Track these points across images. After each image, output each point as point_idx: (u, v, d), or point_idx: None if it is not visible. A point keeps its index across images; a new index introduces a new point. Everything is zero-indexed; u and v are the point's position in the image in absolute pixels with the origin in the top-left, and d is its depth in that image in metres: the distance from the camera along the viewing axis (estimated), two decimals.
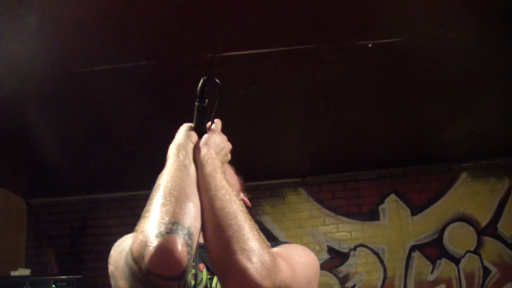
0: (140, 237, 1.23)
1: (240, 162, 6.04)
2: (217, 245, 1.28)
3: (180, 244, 1.18)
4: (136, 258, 1.23)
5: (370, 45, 3.66)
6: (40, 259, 6.26)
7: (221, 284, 1.30)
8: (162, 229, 1.19)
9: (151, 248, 1.17)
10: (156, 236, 1.18)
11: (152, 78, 3.90)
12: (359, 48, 3.70)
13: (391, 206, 6.40)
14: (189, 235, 1.23)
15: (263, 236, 1.31)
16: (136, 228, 1.28)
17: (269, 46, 3.64)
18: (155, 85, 4.01)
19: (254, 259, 1.23)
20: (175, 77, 3.86)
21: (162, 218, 1.22)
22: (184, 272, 1.20)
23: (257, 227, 1.32)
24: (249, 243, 1.25)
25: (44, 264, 6.21)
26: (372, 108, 4.73)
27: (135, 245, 1.24)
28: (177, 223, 1.22)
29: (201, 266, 1.52)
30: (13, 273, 5.34)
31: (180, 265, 1.18)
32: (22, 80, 3.68)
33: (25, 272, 5.43)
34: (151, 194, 1.33)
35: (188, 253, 1.20)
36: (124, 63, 3.61)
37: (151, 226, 1.22)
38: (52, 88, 3.87)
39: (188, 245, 1.20)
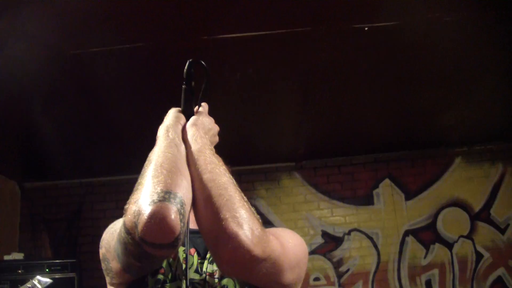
0: (133, 208, 1.23)
1: (235, 145, 6.03)
2: (208, 214, 1.29)
3: (173, 212, 1.19)
4: (129, 229, 1.24)
5: (366, 28, 3.65)
6: (35, 243, 6.26)
7: (213, 253, 1.32)
8: (155, 197, 1.21)
9: (144, 216, 1.18)
10: (149, 204, 1.19)
11: (148, 61, 3.88)
12: (356, 31, 3.68)
13: (386, 190, 6.42)
14: (181, 204, 1.23)
15: (253, 209, 1.33)
16: (129, 201, 1.29)
17: (265, 28, 3.61)
18: (151, 68, 3.99)
19: (245, 226, 1.24)
20: (171, 60, 3.84)
21: (155, 188, 1.24)
22: (177, 240, 1.21)
23: (247, 200, 1.34)
24: (239, 211, 1.27)
25: (38, 248, 6.20)
26: (368, 92, 4.72)
27: (128, 216, 1.25)
28: (170, 192, 1.23)
29: (192, 250, 1.54)
30: (6, 257, 5.32)
31: (173, 231, 1.19)
32: (16, 62, 3.66)
33: (19, 256, 5.42)
34: (143, 169, 1.34)
35: (181, 220, 1.21)
36: (119, 45, 3.59)
37: (144, 196, 1.23)
38: (46, 70, 3.83)
39: (180, 213, 1.21)
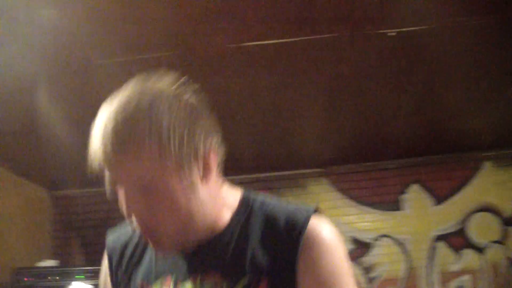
0: None
1: (261, 152, 6.02)
2: None
3: None
4: None
5: (393, 33, 3.64)
6: (66, 250, 6.35)
7: None
8: None
9: None
10: None
11: (174, 69, 3.90)
12: (381, 36, 3.68)
13: (415, 195, 6.35)
14: None
15: None
16: None
17: (291, 36, 3.63)
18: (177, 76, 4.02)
19: None
20: (197, 68, 3.87)
21: None
22: None
23: None
24: None
25: (70, 255, 6.29)
26: (395, 97, 4.69)
27: None
28: None
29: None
30: (40, 264, 5.41)
31: None
32: (42, 70, 3.72)
33: (53, 263, 5.50)
34: None
35: None
36: (145, 54, 3.63)
37: None
38: (73, 79, 3.90)
39: None
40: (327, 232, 1.22)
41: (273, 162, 6.07)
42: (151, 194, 1.13)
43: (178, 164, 1.12)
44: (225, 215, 1.27)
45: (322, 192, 6.41)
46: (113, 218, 6.37)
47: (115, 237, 1.44)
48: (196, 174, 1.16)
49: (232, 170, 6.56)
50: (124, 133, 1.10)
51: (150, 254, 1.33)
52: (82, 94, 4.12)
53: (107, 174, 1.17)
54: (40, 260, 5.58)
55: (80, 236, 6.39)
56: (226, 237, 1.24)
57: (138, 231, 1.21)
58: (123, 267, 1.36)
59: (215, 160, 1.21)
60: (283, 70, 4.08)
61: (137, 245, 1.37)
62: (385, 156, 6.30)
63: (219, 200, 1.26)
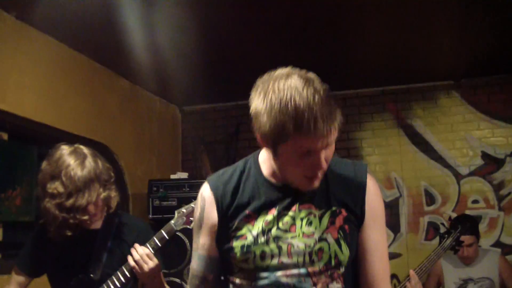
0: None
1: (391, 63, 5.84)
2: None
3: None
4: None
5: None
6: (195, 164, 6.62)
7: None
8: None
9: None
10: None
11: None
12: None
13: None
14: None
15: None
16: None
17: None
18: None
19: None
20: None
21: None
22: None
23: None
24: None
25: (199, 169, 6.56)
26: None
27: None
28: None
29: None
30: (172, 176, 5.71)
31: None
32: None
33: (183, 175, 5.79)
34: None
35: None
36: None
37: None
38: None
39: None
40: (376, 183, 1.82)
41: (402, 74, 5.88)
42: (332, 148, 1.64)
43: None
44: None
45: (453, 105, 6.16)
46: (242, 132, 6.53)
47: (214, 180, 1.84)
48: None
49: (360, 82, 6.46)
50: (331, 110, 1.57)
51: (255, 192, 1.76)
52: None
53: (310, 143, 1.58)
54: (173, 172, 5.88)
55: (208, 150, 6.61)
56: None
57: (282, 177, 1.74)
58: (227, 200, 1.78)
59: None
60: None
61: (238, 186, 1.80)
62: None
63: None
